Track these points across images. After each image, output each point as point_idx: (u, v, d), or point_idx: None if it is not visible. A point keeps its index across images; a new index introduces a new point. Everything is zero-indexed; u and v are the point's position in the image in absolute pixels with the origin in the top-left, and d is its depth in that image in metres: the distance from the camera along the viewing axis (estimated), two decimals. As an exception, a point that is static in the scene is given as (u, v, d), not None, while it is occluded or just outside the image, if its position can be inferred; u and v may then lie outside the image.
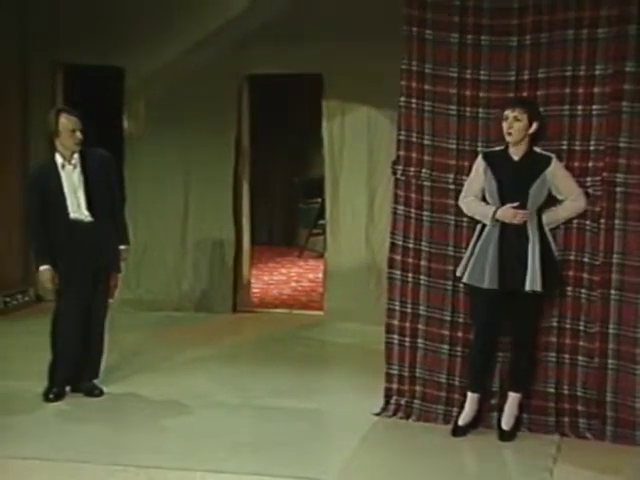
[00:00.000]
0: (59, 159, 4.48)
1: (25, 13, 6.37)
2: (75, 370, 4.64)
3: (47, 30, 6.37)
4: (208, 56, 6.14)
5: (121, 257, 4.72)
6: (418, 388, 4.39)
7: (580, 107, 4.07)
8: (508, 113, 4.00)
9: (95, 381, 4.69)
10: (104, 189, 4.53)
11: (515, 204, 4.01)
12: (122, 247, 4.72)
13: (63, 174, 4.47)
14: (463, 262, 4.15)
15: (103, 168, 4.55)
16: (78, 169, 4.48)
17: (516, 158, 4.07)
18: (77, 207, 4.49)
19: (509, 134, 4.01)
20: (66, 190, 4.46)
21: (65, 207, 4.47)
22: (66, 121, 4.44)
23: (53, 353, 4.61)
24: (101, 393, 4.65)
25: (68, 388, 4.66)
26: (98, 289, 4.59)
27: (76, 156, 4.48)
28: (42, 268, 4.50)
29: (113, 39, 6.21)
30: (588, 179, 4.09)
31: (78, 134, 4.45)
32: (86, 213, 4.49)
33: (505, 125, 4.00)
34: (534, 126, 4.00)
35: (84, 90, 6.54)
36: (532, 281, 3.98)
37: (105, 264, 4.61)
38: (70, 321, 4.54)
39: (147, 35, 6.16)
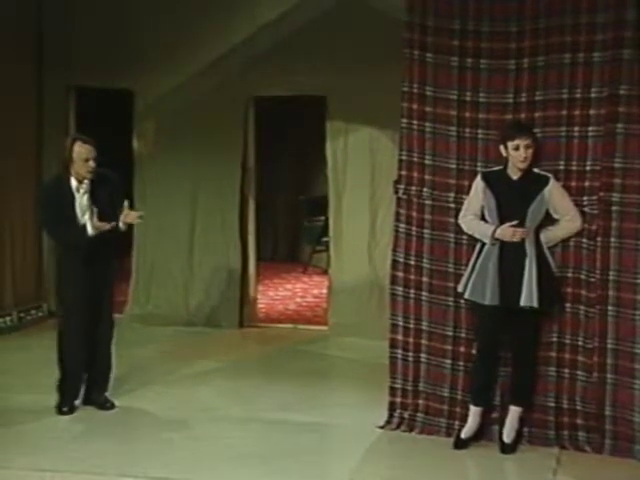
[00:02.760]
0: (74, 182, 4.58)
1: (40, 38, 6.52)
2: (84, 384, 4.73)
3: (61, 55, 6.49)
4: (215, 79, 6.25)
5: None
6: (421, 402, 4.46)
7: (577, 129, 4.16)
8: (519, 143, 4.05)
9: (106, 394, 4.78)
10: (110, 211, 4.60)
11: (514, 222, 4.10)
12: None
13: (77, 197, 4.57)
14: (464, 279, 4.23)
15: (111, 192, 4.61)
16: (87, 194, 4.57)
17: (515, 178, 4.16)
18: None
19: (524, 161, 4.07)
20: (78, 213, 4.56)
21: (76, 226, 4.57)
22: (80, 149, 4.52)
23: (60, 369, 4.70)
24: (112, 406, 4.74)
25: (78, 402, 4.74)
26: (102, 305, 4.67)
27: (87, 181, 4.57)
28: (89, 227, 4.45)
29: (123, 63, 6.32)
30: (585, 198, 4.17)
31: (91, 163, 4.53)
32: (92, 233, 4.57)
33: (518, 154, 4.06)
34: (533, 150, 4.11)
35: (96, 111, 6.69)
36: (527, 297, 4.06)
37: (107, 280, 4.68)
38: (75, 339, 4.63)
39: (156, 59, 6.26)
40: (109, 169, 4.70)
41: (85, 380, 4.75)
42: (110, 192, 4.62)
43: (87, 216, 4.57)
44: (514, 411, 4.24)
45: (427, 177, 4.39)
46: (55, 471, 3.97)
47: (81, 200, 4.58)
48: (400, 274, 4.45)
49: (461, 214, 4.28)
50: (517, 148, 4.07)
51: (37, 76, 6.54)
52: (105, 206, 4.60)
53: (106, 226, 4.52)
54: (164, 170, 6.53)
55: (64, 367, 4.69)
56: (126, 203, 4.59)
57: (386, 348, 4.51)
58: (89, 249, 4.56)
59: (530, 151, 4.08)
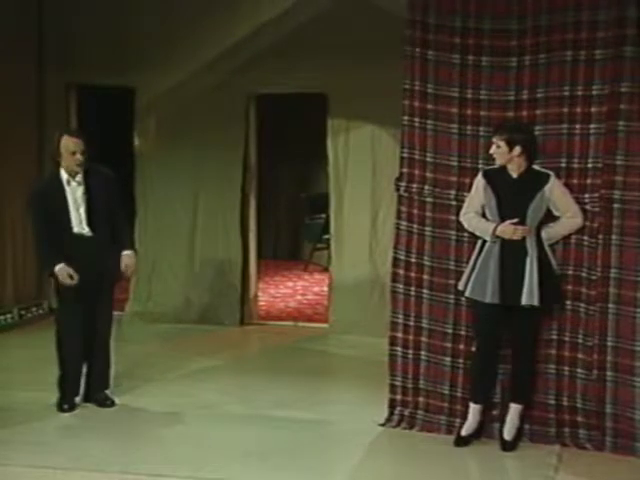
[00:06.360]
0: (64, 175, 4.56)
1: (41, 36, 6.52)
2: (84, 381, 4.73)
3: (61, 52, 6.50)
4: (217, 76, 6.26)
5: (129, 261, 4.67)
6: (421, 399, 4.47)
7: (578, 126, 4.17)
8: (492, 139, 4.13)
9: (106, 392, 4.79)
10: (105, 205, 4.60)
11: (514, 220, 4.10)
12: (127, 252, 4.66)
13: (68, 190, 4.56)
14: (465, 276, 4.24)
15: (105, 185, 4.61)
16: (82, 186, 4.57)
17: (515, 175, 4.16)
18: (79, 222, 4.57)
19: (494, 158, 4.15)
20: (70, 206, 4.55)
21: (69, 222, 4.55)
22: (67, 142, 4.49)
23: (60, 367, 4.70)
24: (112, 404, 4.74)
25: (78, 399, 4.74)
26: (101, 301, 4.66)
27: (80, 174, 4.56)
28: (59, 267, 4.48)
29: (124, 61, 6.33)
30: (586, 196, 4.18)
31: (78, 156, 4.50)
32: (87, 229, 4.57)
33: (491, 149, 4.14)
34: (516, 150, 4.08)
35: (97, 109, 6.69)
36: (529, 296, 4.07)
37: (106, 276, 4.66)
38: (73, 335, 4.63)
39: (157, 57, 6.27)
40: (105, 165, 4.68)
41: (85, 377, 4.75)
42: (104, 186, 4.60)
43: (82, 209, 4.55)
44: (514, 408, 4.24)
45: (428, 174, 4.39)
46: (56, 468, 3.98)
47: (74, 193, 4.57)
48: (401, 272, 4.46)
49: (462, 211, 4.28)
50: (493, 143, 4.12)
51: (38, 74, 6.54)
52: (99, 201, 4.57)
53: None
54: (165, 168, 6.54)
55: (63, 364, 4.69)
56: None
57: (387, 346, 4.52)
58: (77, 253, 4.53)
59: (497, 151, 4.08)
